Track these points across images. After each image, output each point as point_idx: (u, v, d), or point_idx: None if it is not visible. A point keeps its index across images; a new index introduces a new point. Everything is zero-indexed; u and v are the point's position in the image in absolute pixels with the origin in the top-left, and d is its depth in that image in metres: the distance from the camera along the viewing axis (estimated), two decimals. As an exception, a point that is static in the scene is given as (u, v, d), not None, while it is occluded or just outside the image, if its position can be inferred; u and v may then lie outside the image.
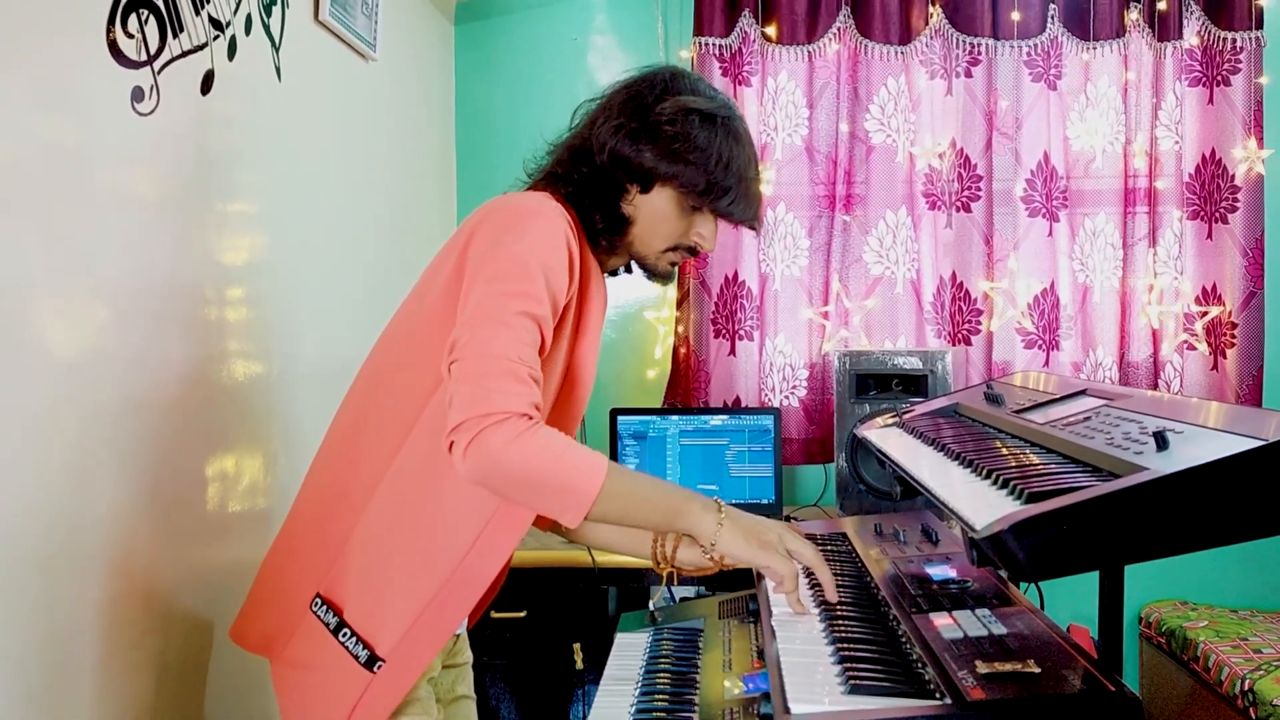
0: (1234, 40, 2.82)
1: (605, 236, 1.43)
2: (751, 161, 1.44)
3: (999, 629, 1.18)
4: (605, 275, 1.54)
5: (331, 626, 1.35)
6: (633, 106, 1.40)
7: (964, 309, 2.95)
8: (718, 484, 2.76)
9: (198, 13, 1.71)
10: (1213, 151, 2.86)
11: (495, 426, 1.16)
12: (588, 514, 1.21)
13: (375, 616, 1.33)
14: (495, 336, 1.21)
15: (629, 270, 1.56)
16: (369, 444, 1.38)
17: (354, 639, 1.33)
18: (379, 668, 1.32)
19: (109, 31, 1.50)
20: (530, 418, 1.19)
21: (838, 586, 1.39)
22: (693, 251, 1.48)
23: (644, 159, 1.38)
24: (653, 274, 1.51)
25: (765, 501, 2.75)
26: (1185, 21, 2.85)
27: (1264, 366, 2.83)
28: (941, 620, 1.22)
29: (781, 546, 1.33)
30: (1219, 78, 2.85)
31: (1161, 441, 1.01)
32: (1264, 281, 2.82)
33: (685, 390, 2.99)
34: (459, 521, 1.33)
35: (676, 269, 1.52)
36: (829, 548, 1.66)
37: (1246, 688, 2.25)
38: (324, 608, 1.36)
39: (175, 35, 1.65)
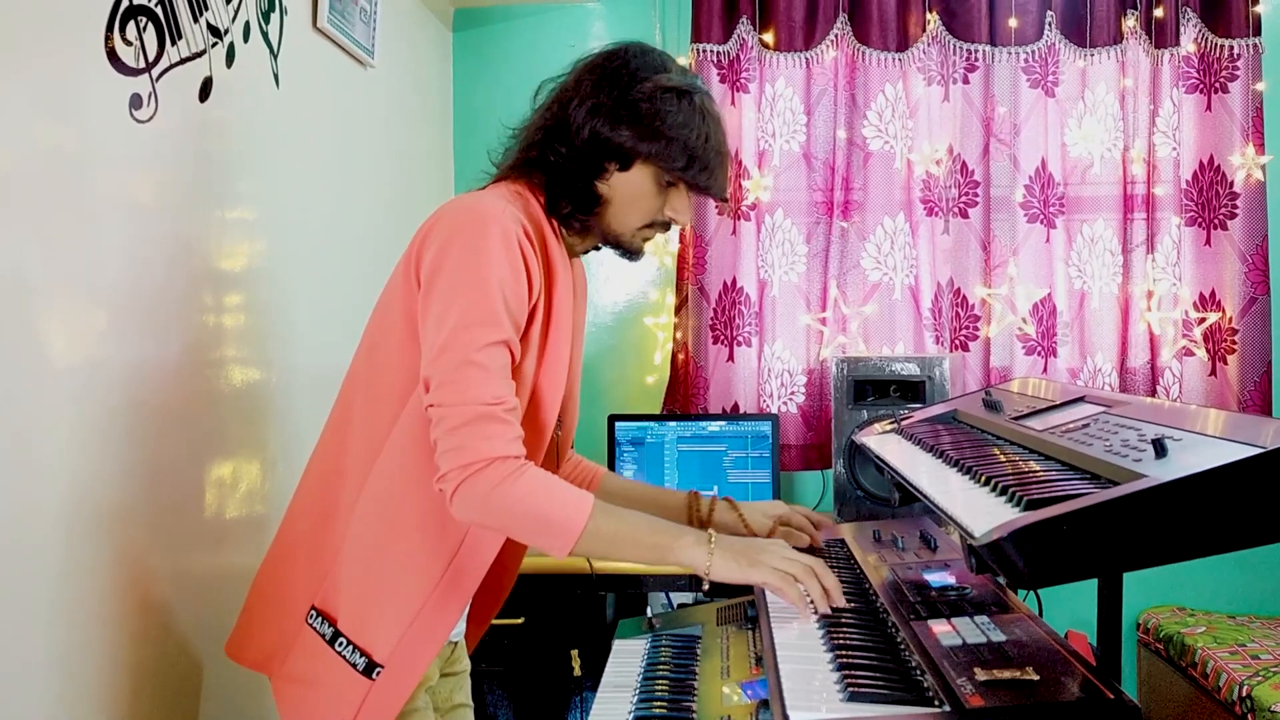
0: (1231, 47, 2.83)
1: (578, 218, 1.43)
2: (724, 135, 1.46)
3: (998, 636, 1.17)
4: (580, 256, 1.55)
5: (327, 637, 1.34)
6: (608, 86, 1.39)
7: (962, 315, 2.95)
8: (716, 490, 2.76)
9: (196, 20, 1.71)
10: (1210, 158, 2.86)
11: (478, 474, 1.23)
12: (573, 550, 1.27)
13: (370, 623, 1.33)
14: (469, 379, 1.25)
15: (598, 249, 1.55)
16: (352, 452, 1.38)
17: (350, 647, 1.32)
18: (378, 674, 1.31)
19: (107, 39, 1.50)
20: (515, 457, 1.26)
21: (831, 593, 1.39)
22: (666, 227, 1.49)
23: (623, 138, 1.38)
24: (626, 252, 1.51)
25: (763, 508, 2.74)
26: (1182, 29, 2.85)
27: (1271, 372, 2.82)
28: (940, 627, 1.21)
29: (775, 561, 1.34)
30: (1217, 84, 2.85)
31: (1160, 449, 1.01)
32: (1268, 287, 2.82)
33: (684, 396, 2.98)
34: (444, 522, 1.33)
35: (646, 245, 1.53)
36: (826, 554, 1.66)
37: (1244, 694, 2.25)
38: (319, 619, 1.36)
39: (174, 42, 1.65)
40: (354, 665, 1.32)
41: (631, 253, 1.51)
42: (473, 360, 1.25)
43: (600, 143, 1.38)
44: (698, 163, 1.40)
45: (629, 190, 1.42)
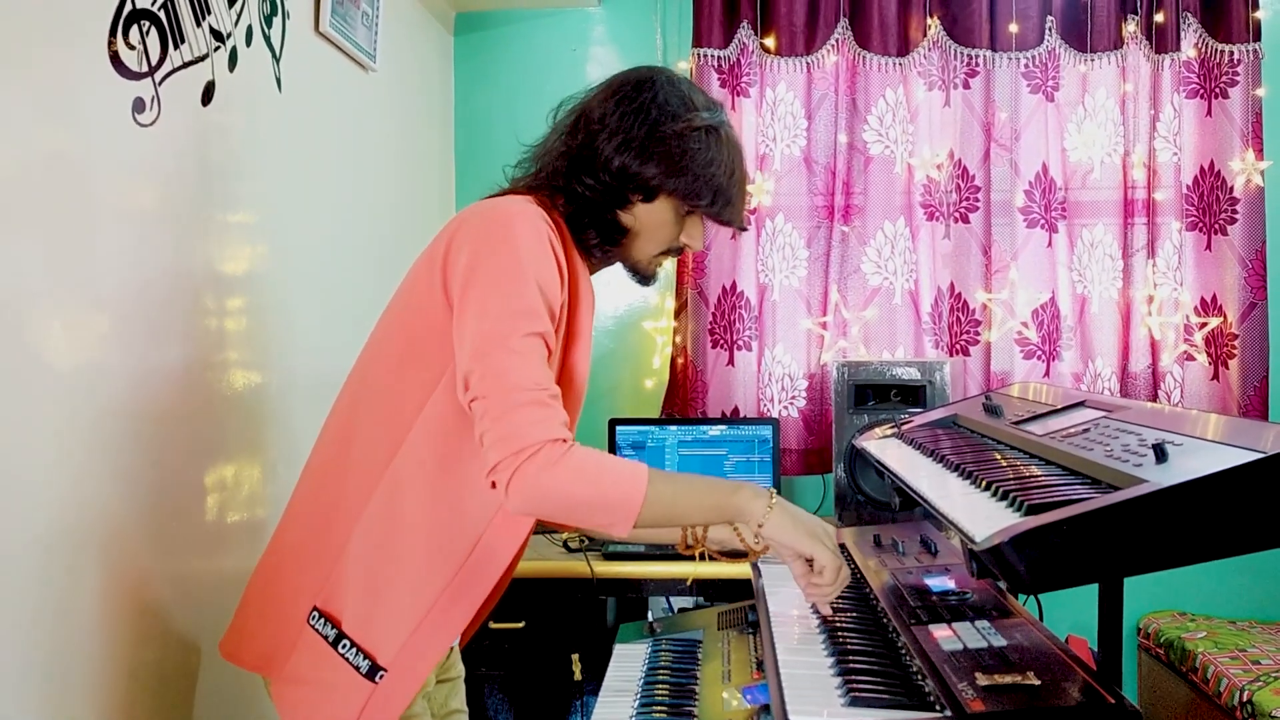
0: (1231, 53, 2.83)
1: (601, 248, 1.44)
2: (744, 163, 1.47)
3: (998, 641, 1.18)
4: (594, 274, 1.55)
5: (331, 639, 1.34)
6: (636, 120, 1.39)
7: (962, 320, 2.95)
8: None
9: (199, 24, 1.72)
10: (1211, 163, 2.87)
11: (530, 459, 1.21)
12: (636, 522, 1.25)
13: (376, 626, 1.33)
14: (509, 368, 1.23)
15: (611, 262, 1.54)
16: (361, 454, 1.37)
17: (354, 649, 1.32)
18: (381, 677, 1.31)
19: (110, 43, 1.50)
20: (563, 440, 1.23)
21: (836, 597, 1.39)
22: (679, 251, 1.50)
23: (651, 174, 1.38)
24: (639, 276, 1.51)
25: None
26: (1183, 34, 2.86)
27: (1269, 377, 2.82)
28: (941, 632, 1.22)
29: (830, 543, 1.33)
30: (1217, 90, 2.85)
31: (1161, 454, 1.01)
32: (1266, 292, 2.82)
33: (684, 400, 2.99)
34: (458, 526, 1.33)
35: (659, 269, 1.53)
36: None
37: (1245, 699, 2.25)
38: (322, 621, 1.35)
39: (176, 46, 1.66)
40: (357, 668, 1.32)
41: (645, 277, 1.51)
42: (511, 349, 1.24)
43: (628, 177, 1.39)
44: (722, 197, 1.41)
45: (651, 221, 1.43)
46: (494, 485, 1.23)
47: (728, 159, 1.41)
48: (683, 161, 1.38)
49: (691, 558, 1.53)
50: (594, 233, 1.42)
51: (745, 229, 1.56)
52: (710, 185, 1.39)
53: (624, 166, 1.38)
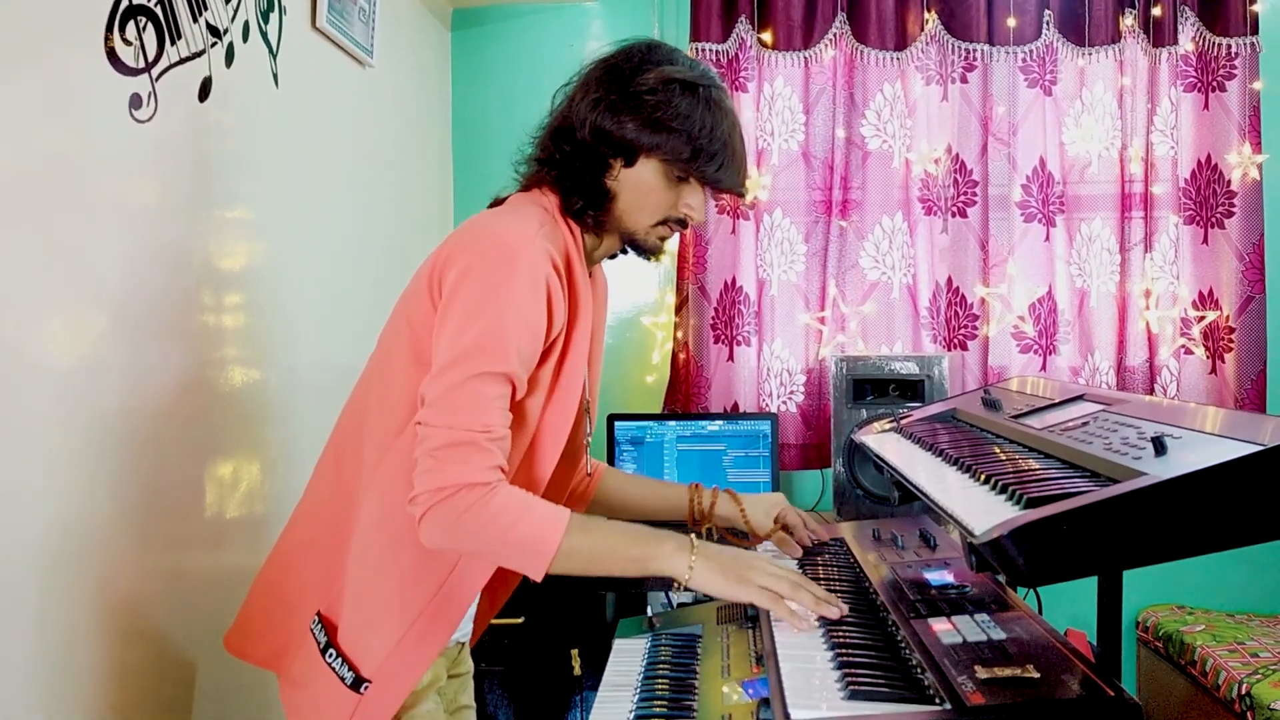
0: (1229, 46, 2.83)
1: (591, 215, 1.40)
2: (735, 128, 1.42)
3: (998, 634, 1.18)
4: (600, 263, 1.53)
5: (321, 646, 1.34)
6: (611, 79, 1.37)
7: (960, 314, 2.95)
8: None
9: (195, 20, 1.71)
10: (1208, 157, 2.87)
11: (447, 501, 1.21)
12: (549, 571, 1.25)
13: (363, 636, 1.32)
14: (459, 404, 1.23)
15: (625, 252, 1.52)
16: (359, 461, 1.37)
17: (339, 660, 1.32)
18: (365, 689, 1.31)
19: (107, 39, 1.50)
20: (486, 484, 1.22)
21: (835, 591, 1.39)
22: (682, 224, 1.45)
23: (625, 131, 1.35)
24: (642, 250, 1.48)
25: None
26: (1180, 28, 2.86)
27: (1266, 370, 2.82)
28: (940, 625, 1.22)
29: (762, 579, 1.30)
30: (1214, 83, 2.85)
31: (1160, 447, 1.01)
32: (1264, 285, 2.83)
33: (685, 396, 2.99)
34: None
35: (664, 244, 1.49)
36: (826, 553, 1.66)
37: (1244, 691, 2.26)
38: (320, 626, 1.35)
39: (173, 42, 1.65)
40: (342, 679, 1.31)
41: (648, 251, 1.47)
42: (469, 386, 1.22)
43: (603, 136, 1.36)
44: (703, 155, 1.36)
45: (637, 186, 1.39)
46: (410, 515, 1.23)
47: (706, 115, 1.36)
48: (655, 114, 1.34)
49: (699, 533, 1.51)
50: (579, 199, 1.39)
51: (743, 194, 1.51)
52: (689, 140, 1.35)
53: (598, 126, 1.36)
